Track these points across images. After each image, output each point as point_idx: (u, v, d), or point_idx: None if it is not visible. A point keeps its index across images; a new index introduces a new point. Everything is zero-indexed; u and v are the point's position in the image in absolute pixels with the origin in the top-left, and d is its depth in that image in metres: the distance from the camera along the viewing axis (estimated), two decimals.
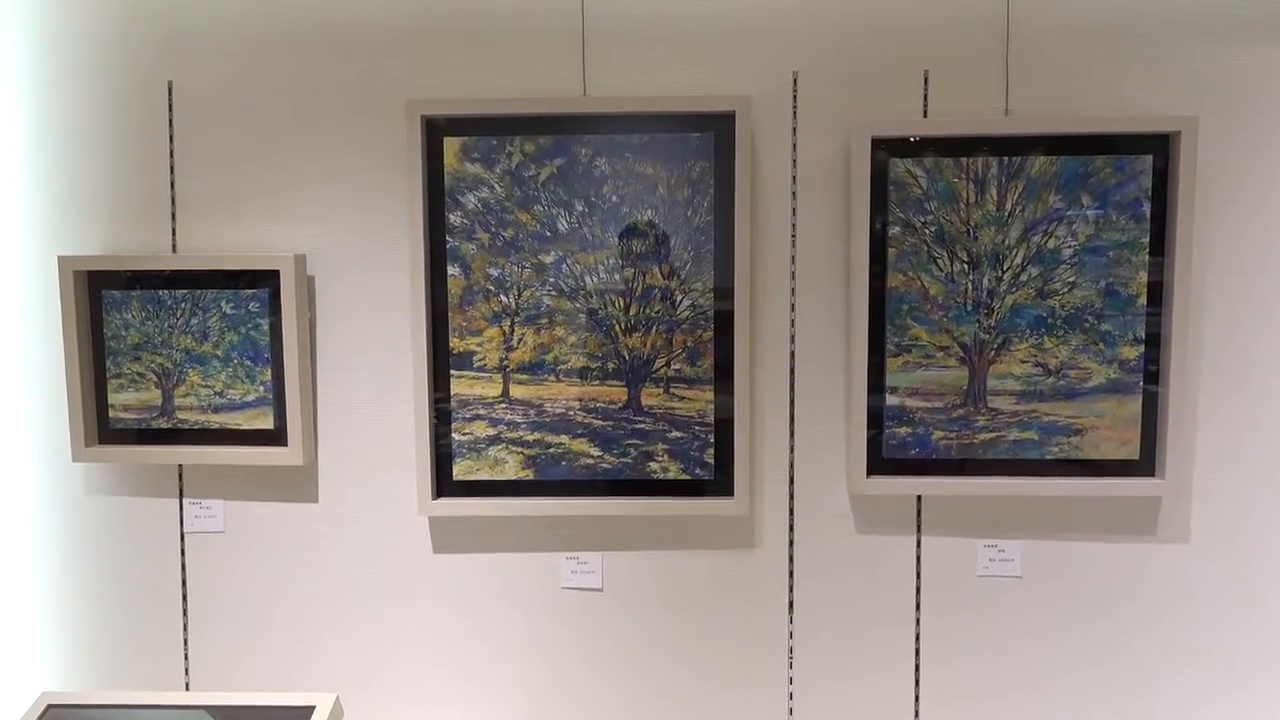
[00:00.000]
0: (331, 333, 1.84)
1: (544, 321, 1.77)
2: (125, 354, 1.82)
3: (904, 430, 1.77)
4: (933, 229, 1.73)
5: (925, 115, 1.75)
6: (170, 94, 1.81)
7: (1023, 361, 1.74)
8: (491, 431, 1.80)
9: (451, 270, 1.77)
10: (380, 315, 1.82)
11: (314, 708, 1.76)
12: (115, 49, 1.81)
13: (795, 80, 1.76)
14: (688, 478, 1.79)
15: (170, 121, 1.82)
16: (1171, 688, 1.83)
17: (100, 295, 1.81)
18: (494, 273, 1.77)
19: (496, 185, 1.75)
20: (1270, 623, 1.81)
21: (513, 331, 1.78)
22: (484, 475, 1.81)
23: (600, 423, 1.79)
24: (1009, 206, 1.71)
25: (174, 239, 1.83)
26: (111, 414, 1.83)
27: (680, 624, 1.86)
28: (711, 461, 1.78)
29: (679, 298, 1.76)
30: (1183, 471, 1.76)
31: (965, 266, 1.73)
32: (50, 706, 1.77)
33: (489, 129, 1.74)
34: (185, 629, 1.90)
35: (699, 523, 1.83)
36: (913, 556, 1.83)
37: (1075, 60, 1.73)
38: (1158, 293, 1.72)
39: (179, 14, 1.80)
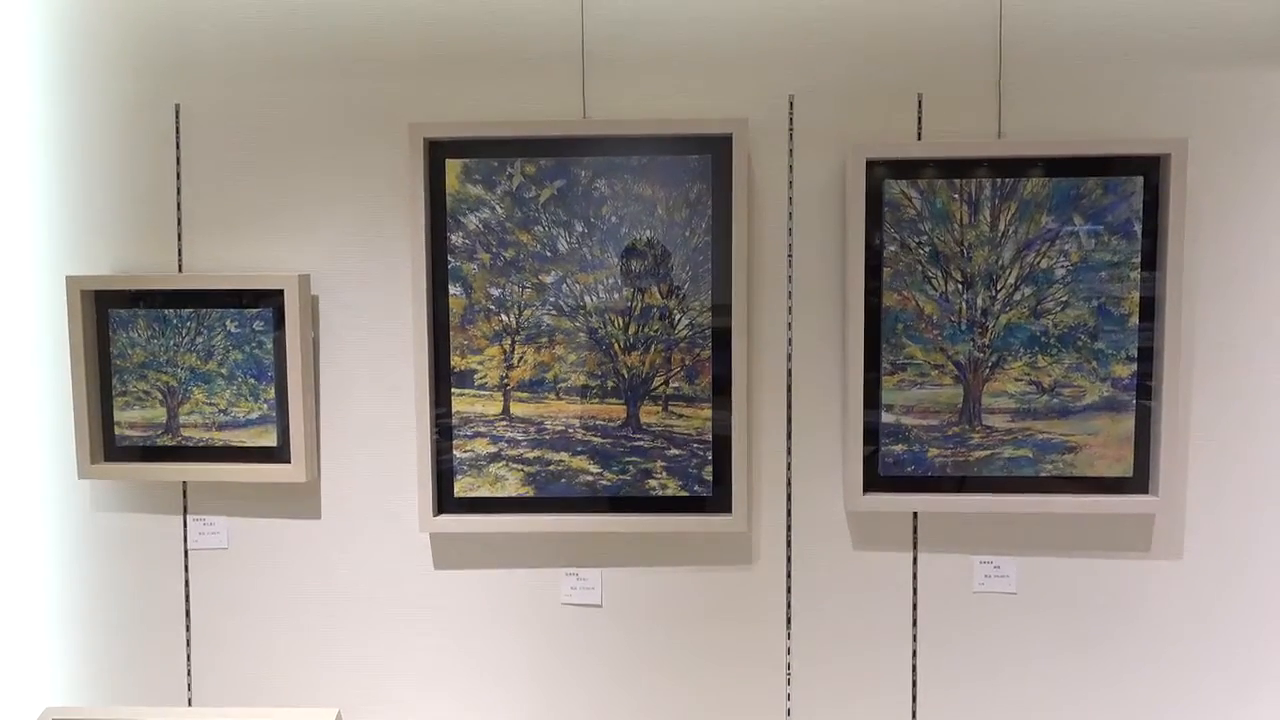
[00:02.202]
0: (334, 351, 1.86)
1: (544, 340, 1.79)
2: (131, 372, 1.84)
3: (900, 447, 1.78)
4: (927, 249, 1.75)
5: (920, 138, 1.77)
6: (178, 116, 1.84)
7: (1017, 380, 1.76)
8: (492, 449, 1.82)
9: (453, 290, 1.79)
10: (382, 334, 1.85)
11: None
12: (124, 73, 1.84)
13: (791, 103, 1.79)
14: (686, 494, 1.80)
15: (177, 144, 1.84)
16: (1166, 702, 1.84)
17: (107, 314, 1.83)
18: (495, 292, 1.79)
19: (497, 206, 1.78)
20: (1263, 637, 1.82)
21: (513, 350, 1.80)
22: (485, 492, 1.82)
23: (600, 440, 1.81)
24: (1002, 227, 1.74)
25: (180, 259, 1.86)
26: (117, 431, 1.85)
27: (679, 639, 1.87)
28: (710, 478, 1.80)
29: (677, 317, 1.78)
30: (1176, 488, 1.77)
31: (959, 286, 1.75)
32: None
33: (490, 151, 1.77)
34: (188, 644, 1.91)
35: (697, 539, 1.85)
36: (909, 573, 1.84)
37: (1067, 83, 1.76)
38: (1150, 311, 1.74)
39: (187, 38, 1.83)
